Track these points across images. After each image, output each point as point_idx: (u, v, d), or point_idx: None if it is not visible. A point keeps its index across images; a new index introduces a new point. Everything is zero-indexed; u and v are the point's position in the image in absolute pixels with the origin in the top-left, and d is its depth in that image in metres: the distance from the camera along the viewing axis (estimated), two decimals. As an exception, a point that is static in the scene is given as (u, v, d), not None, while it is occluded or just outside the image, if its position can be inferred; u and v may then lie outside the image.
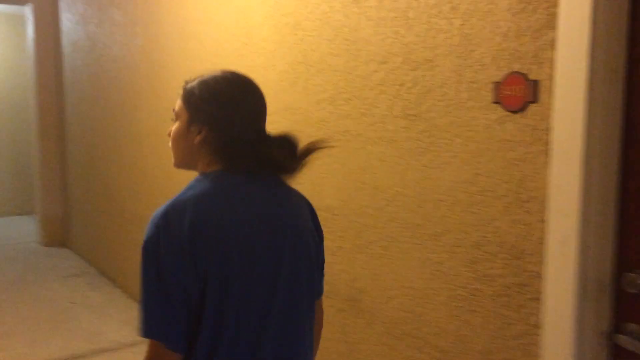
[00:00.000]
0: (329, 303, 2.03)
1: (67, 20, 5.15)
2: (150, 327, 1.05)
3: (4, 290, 4.23)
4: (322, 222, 1.32)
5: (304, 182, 1.61)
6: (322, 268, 1.29)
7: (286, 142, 1.13)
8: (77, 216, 5.32)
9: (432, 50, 1.72)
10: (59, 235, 5.71)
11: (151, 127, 3.66)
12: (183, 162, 1.20)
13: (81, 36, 4.82)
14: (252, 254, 1.07)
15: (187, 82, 1.20)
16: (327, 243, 1.41)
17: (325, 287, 1.35)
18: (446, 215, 1.72)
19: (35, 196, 5.92)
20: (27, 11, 5.52)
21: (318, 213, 1.32)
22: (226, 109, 1.14)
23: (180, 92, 1.20)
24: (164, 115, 3.50)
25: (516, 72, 1.48)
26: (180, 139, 1.17)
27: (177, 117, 1.19)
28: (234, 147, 1.12)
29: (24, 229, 6.40)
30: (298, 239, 1.15)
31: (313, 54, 2.24)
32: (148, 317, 1.05)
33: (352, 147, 2.08)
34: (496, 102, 1.54)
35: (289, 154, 1.12)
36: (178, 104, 1.19)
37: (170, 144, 1.20)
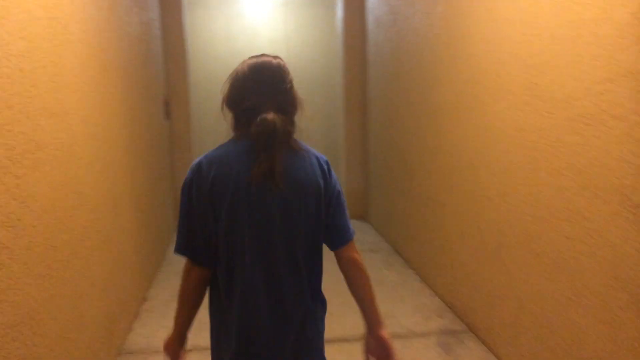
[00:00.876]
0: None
1: (372, -3, 5.20)
2: (180, 246, 1.42)
3: (310, 258, 4.57)
4: None
5: None
6: (338, 213, 1.54)
7: (285, 118, 1.40)
8: (376, 191, 5.44)
9: None
10: (360, 208, 5.97)
11: (449, 102, 3.35)
12: None
13: (384, 10, 4.78)
14: (250, 206, 1.38)
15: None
16: None
17: None
18: None
19: (340, 169, 6.30)
20: (338, -7, 5.80)
21: None
22: (238, 89, 1.43)
23: None
24: (464, 89, 3.13)
25: None
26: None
27: None
28: (239, 120, 1.44)
29: (331, 199, 6.93)
30: (299, 195, 1.41)
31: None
32: (180, 239, 1.42)
33: None
34: None
35: (286, 128, 1.40)
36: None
37: None
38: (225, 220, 1.37)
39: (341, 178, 6.20)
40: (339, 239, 1.56)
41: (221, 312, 1.47)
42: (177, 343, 1.51)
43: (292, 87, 1.45)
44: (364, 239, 5.12)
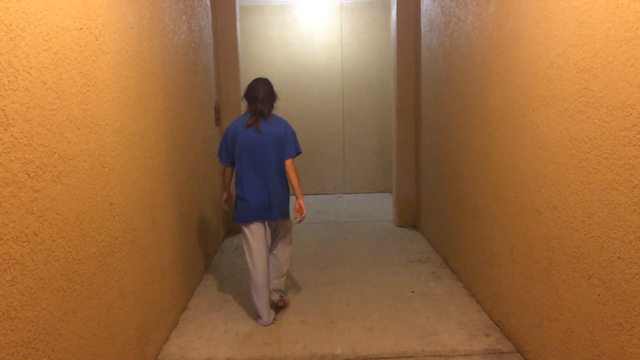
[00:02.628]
0: None
1: (425, -1, 5.03)
2: (221, 158, 3.46)
3: (355, 268, 4.45)
4: None
5: None
6: (288, 146, 3.40)
7: (265, 103, 3.35)
8: (426, 199, 5.25)
9: None
10: (410, 216, 5.79)
11: (500, 108, 3.15)
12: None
13: (437, 13, 4.60)
14: (245, 141, 3.31)
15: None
16: None
17: None
18: None
19: (392, 175, 6.15)
20: (391, -5, 5.65)
21: None
22: (248, 91, 3.39)
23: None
24: (515, 95, 2.93)
25: None
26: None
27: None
28: (249, 104, 3.37)
29: (384, 207, 6.77)
30: (270, 137, 3.33)
31: None
32: (221, 155, 3.46)
33: None
34: None
35: (266, 108, 3.36)
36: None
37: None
38: (237, 147, 3.35)
39: (392, 184, 6.03)
40: (285, 155, 3.40)
41: (238, 186, 3.40)
42: (229, 198, 3.67)
43: (272, 88, 3.43)
44: (412, 249, 4.95)
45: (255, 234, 3.41)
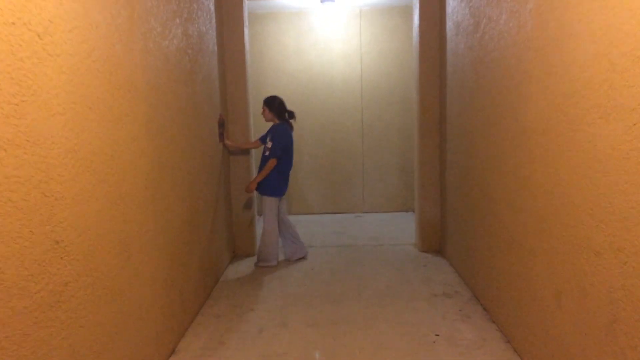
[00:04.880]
0: None
1: (452, 0, 4.52)
2: (277, 154, 4.80)
3: (371, 303, 3.91)
4: None
5: None
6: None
7: (291, 114, 4.96)
8: (453, 222, 4.70)
9: None
10: (434, 240, 5.23)
11: (543, 121, 2.61)
12: (268, 121, 4.95)
13: (465, 14, 4.09)
14: (291, 144, 4.93)
15: (265, 98, 4.98)
16: None
17: None
18: None
19: (414, 194, 5.60)
20: (413, -2, 5.16)
21: None
22: (282, 104, 4.93)
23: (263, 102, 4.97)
24: (563, 107, 2.39)
25: None
26: (266, 114, 4.90)
27: (264, 110, 4.89)
28: (280, 115, 4.90)
29: (406, 229, 6.22)
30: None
31: None
32: (278, 154, 4.79)
33: None
34: None
35: (292, 116, 4.97)
36: (263, 105, 4.93)
37: (265, 118, 4.94)
38: (291, 148, 4.94)
39: (413, 204, 5.49)
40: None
41: (286, 173, 4.90)
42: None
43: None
44: (437, 279, 4.39)
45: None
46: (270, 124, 4.97)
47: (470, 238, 4.06)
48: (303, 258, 5.10)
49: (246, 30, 5.14)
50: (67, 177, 1.97)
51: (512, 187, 3.08)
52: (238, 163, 5.20)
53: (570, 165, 2.32)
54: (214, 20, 4.59)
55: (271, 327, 3.51)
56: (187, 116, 3.64)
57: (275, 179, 4.81)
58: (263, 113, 4.89)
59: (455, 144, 4.51)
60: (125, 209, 2.53)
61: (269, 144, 4.81)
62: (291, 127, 4.93)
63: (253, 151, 5.40)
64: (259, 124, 7.14)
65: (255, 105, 7.14)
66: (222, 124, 4.77)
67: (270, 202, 4.86)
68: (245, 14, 5.12)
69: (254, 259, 5.13)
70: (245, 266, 4.93)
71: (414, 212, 6.52)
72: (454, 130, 4.54)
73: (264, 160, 4.83)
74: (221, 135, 4.77)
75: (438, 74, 5.05)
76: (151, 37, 2.95)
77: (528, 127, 2.80)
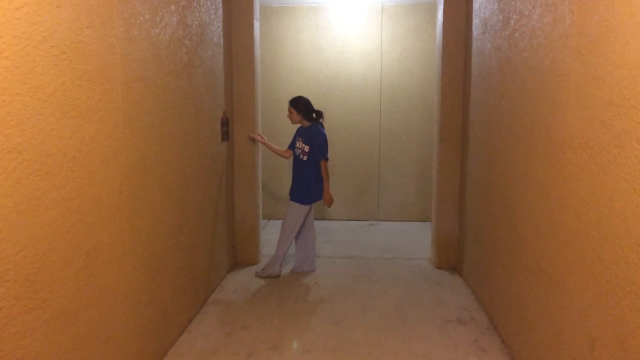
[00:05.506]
0: None
1: (479, -5, 4.12)
2: (326, 155, 4.45)
3: (376, 326, 3.54)
4: None
5: None
6: None
7: (319, 113, 4.54)
8: (471, 238, 4.29)
9: None
10: (451, 257, 4.82)
11: (581, 134, 2.21)
12: (296, 123, 4.55)
13: (493, 10, 3.69)
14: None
15: (290, 99, 4.57)
16: None
17: None
18: None
19: (431, 206, 5.20)
20: (438, -7, 4.76)
21: None
22: (303, 103, 4.49)
23: (288, 103, 4.56)
24: (607, 116, 1.99)
25: None
26: (294, 116, 4.49)
27: (290, 111, 4.49)
28: (308, 115, 4.49)
29: (421, 240, 5.82)
30: None
31: None
32: (325, 154, 4.44)
33: None
34: None
35: (320, 116, 4.55)
36: (289, 107, 4.51)
37: (292, 120, 4.54)
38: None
39: (430, 216, 5.09)
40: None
41: (320, 180, 4.47)
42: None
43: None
44: (451, 301, 3.99)
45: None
46: (298, 126, 4.65)
47: (491, 258, 3.66)
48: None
49: (256, 23, 4.81)
50: (4, 184, 1.65)
51: (540, 208, 2.67)
52: (243, 165, 4.86)
53: (612, 187, 1.93)
54: (220, 11, 4.26)
55: (262, 351, 3.16)
56: (181, 113, 3.32)
57: (313, 185, 4.47)
58: (290, 115, 4.53)
59: (477, 153, 4.11)
60: (93, 218, 2.21)
61: (306, 148, 4.44)
62: (322, 127, 4.55)
63: (262, 151, 5.06)
64: (269, 125, 6.79)
65: (267, 105, 6.78)
66: (225, 123, 4.44)
67: (298, 209, 4.50)
68: (256, 6, 4.79)
69: (256, 267, 4.79)
70: (245, 276, 4.60)
71: (431, 222, 6.13)
72: (477, 138, 4.14)
73: (301, 165, 4.48)
74: (225, 135, 4.44)
75: (462, 75, 4.65)
76: (136, 23, 2.63)
77: (563, 140, 2.40)
